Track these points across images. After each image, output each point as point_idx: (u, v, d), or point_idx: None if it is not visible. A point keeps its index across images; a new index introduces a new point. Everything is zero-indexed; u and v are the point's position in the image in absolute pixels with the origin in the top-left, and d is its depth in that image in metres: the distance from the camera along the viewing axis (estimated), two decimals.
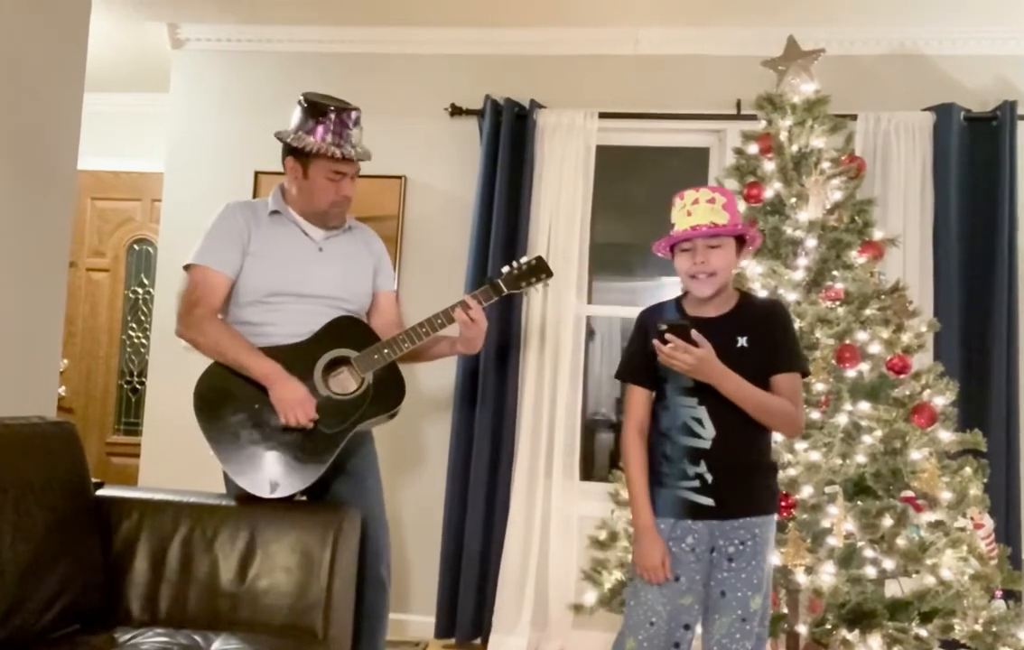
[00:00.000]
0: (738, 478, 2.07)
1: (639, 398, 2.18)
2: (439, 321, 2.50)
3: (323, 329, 2.44)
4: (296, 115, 2.50)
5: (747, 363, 2.04)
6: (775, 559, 2.64)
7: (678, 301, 2.21)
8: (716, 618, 2.07)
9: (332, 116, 2.45)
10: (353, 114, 2.49)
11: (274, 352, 2.38)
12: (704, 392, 2.05)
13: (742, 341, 2.07)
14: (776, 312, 2.19)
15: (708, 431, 2.05)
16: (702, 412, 2.06)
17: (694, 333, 1.98)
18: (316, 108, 2.47)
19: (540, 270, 2.66)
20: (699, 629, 2.14)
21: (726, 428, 2.05)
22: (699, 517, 2.06)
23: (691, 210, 2.08)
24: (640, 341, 2.18)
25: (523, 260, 2.68)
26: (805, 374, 2.22)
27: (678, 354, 1.97)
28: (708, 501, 2.05)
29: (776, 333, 2.12)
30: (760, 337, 2.09)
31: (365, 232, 2.71)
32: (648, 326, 2.14)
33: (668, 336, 1.98)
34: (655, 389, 2.17)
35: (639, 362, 2.17)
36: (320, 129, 2.45)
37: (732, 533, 2.05)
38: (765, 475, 2.15)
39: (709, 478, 2.05)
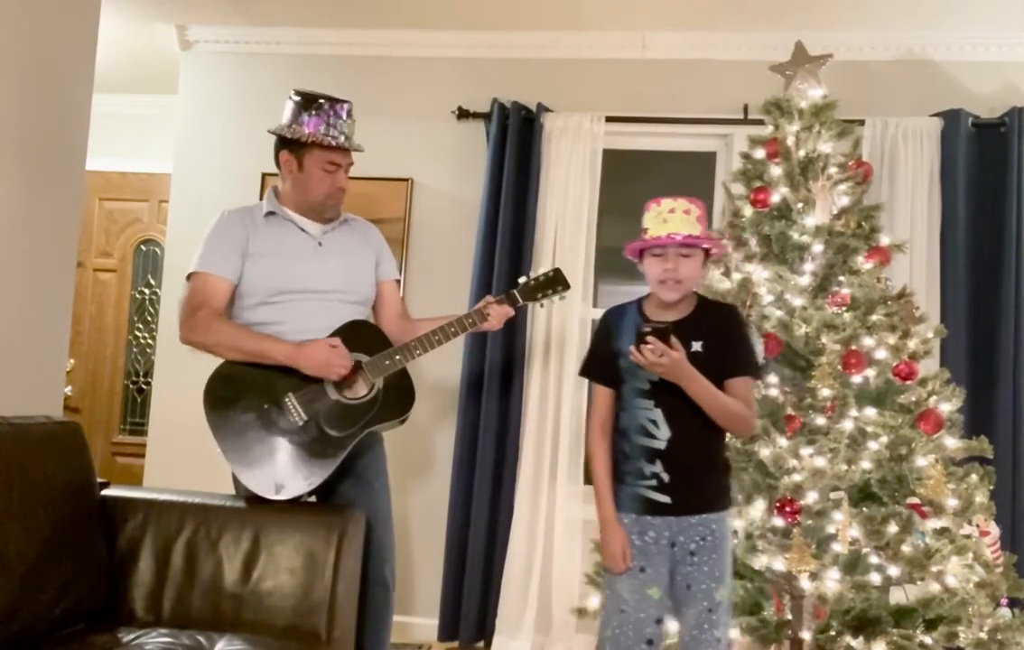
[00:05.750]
0: (692, 477, 2.15)
1: (603, 396, 2.26)
2: (452, 330, 2.50)
3: (337, 331, 2.44)
4: (288, 109, 2.54)
5: (701, 367, 2.10)
6: (780, 564, 2.65)
7: (639, 303, 2.27)
8: (685, 611, 2.16)
9: (325, 106, 2.50)
10: (345, 106, 2.53)
11: None
12: (660, 395, 2.13)
13: (696, 346, 2.13)
14: (731, 318, 2.28)
15: (663, 432, 2.13)
16: (657, 414, 2.14)
17: (672, 339, 2.04)
18: (308, 100, 2.51)
19: (557, 283, 2.65)
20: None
21: (680, 430, 2.13)
22: (657, 513, 2.15)
23: (667, 218, 2.15)
24: (603, 341, 2.27)
25: (540, 272, 2.67)
26: (757, 377, 2.30)
27: (656, 357, 2.02)
28: (665, 499, 2.14)
29: (731, 338, 2.21)
30: (715, 342, 2.16)
31: (362, 224, 2.71)
32: (612, 327, 2.24)
33: (650, 339, 2.03)
34: (617, 388, 2.23)
35: (601, 361, 2.25)
36: (313, 120, 2.48)
37: (691, 529, 2.13)
38: (718, 474, 2.23)
39: (665, 477, 2.13)
